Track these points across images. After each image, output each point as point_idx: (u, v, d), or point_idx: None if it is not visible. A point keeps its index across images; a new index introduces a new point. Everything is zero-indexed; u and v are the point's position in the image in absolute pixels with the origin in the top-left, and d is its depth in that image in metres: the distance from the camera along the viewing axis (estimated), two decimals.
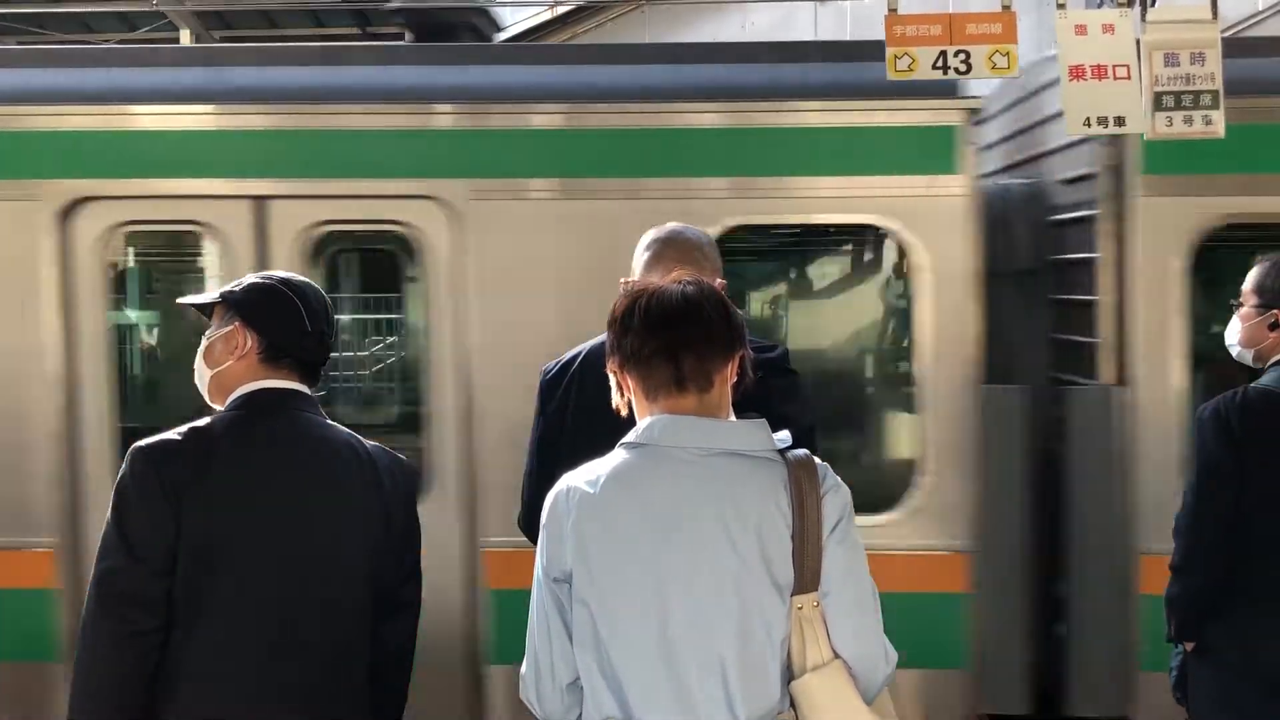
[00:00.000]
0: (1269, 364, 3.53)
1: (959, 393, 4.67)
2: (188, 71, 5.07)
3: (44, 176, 4.84)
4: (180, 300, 2.79)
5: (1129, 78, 3.90)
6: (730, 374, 2.21)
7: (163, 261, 5.84)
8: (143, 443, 2.50)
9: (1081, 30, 3.93)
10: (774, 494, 2.11)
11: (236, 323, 2.62)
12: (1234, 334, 3.64)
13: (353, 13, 11.59)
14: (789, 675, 2.11)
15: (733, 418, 2.22)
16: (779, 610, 2.09)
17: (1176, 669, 3.63)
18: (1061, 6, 4.01)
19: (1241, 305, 3.61)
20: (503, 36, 12.80)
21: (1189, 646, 3.53)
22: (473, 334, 4.77)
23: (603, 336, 2.71)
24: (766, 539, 2.08)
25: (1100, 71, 3.89)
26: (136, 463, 2.47)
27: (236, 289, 2.66)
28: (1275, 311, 3.51)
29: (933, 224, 4.66)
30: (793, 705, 2.10)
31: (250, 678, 2.43)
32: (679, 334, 2.15)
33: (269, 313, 2.62)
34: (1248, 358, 3.62)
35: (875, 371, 5.56)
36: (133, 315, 5.64)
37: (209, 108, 4.86)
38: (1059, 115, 4.25)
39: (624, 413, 2.25)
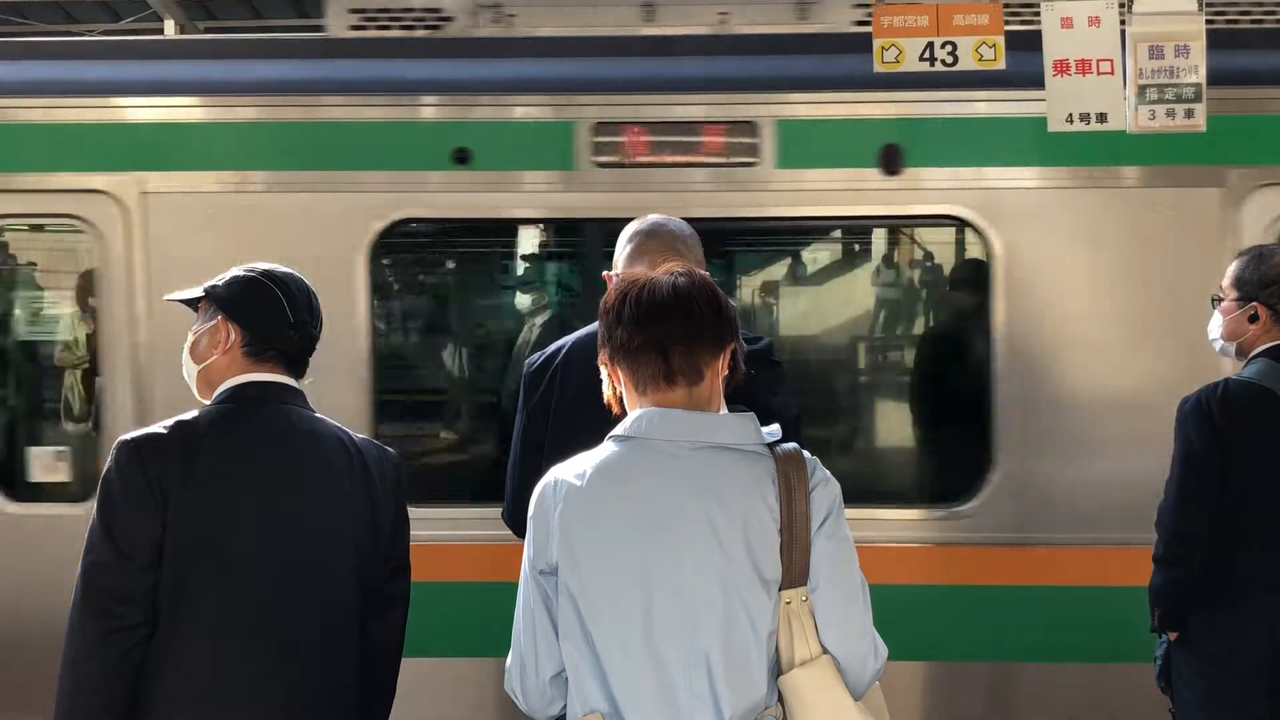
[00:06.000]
0: (1250, 356, 3.55)
1: None
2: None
3: None
4: (166, 297, 2.77)
5: (1112, 73, 3.91)
6: (721, 366, 2.19)
7: None
8: (128, 436, 2.49)
9: (1067, 23, 3.94)
10: (761, 488, 2.10)
11: (220, 317, 2.60)
12: (1216, 328, 3.65)
13: None
14: (777, 670, 2.10)
15: (724, 410, 2.21)
16: (765, 605, 2.08)
17: (1160, 659, 3.65)
18: None
19: (1222, 299, 3.63)
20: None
21: (1173, 636, 3.56)
22: None
23: (588, 329, 2.70)
24: (752, 533, 2.08)
25: (1084, 66, 3.90)
26: (122, 457, 2.45)
27: (219, 283, 2.65)
28: (1254, 304, 3.52)
29: None
30: (781, 701, 2.10)
31: (237, 674, 2.42)
32: (668, 327, 2.14)
33: (251, 306, 2.60)
34: (1231, 351, 3.64)
35: None
36: None
37: None
38: None
39: (615, 409, 2.23)
